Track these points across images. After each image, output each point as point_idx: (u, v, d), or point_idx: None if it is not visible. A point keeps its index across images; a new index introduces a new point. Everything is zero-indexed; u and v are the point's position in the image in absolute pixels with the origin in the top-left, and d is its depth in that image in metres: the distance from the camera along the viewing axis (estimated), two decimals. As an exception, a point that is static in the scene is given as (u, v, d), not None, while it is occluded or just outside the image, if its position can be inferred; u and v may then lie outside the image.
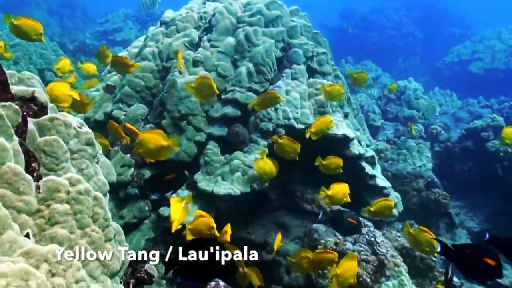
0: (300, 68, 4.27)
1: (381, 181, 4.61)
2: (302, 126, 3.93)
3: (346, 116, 4.69)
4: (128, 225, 3.72)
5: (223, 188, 3.58)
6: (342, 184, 3.35)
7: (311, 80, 4.32)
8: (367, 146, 4.89)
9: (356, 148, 4.35)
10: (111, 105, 4.27)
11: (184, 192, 3.73)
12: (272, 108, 3.87)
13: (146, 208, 3.77)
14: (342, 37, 20.90)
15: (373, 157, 4.65)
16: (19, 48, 7.50)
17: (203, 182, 3.70)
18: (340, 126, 4.17)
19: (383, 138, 8.17)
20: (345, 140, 4.18)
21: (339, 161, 3.53)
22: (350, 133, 4.18)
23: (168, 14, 4.65)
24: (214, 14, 4.34)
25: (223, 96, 3.99)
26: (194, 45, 4.28)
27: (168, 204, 3.70)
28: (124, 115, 4.10)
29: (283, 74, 4.15)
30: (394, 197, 4.82)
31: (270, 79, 4.14)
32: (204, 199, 3.70)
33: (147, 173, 3.87)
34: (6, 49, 4.48)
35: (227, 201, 3.75)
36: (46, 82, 7.30)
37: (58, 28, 20.24)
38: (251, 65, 4.06)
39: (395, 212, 4.73)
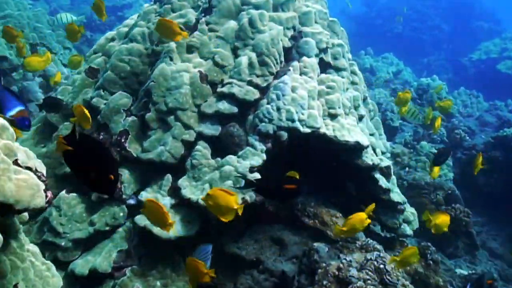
0: (310, 62, 3.75)
1: (397, 195, 4.10)
2: (308, 130, 3.42)
3: (360, 119, 4.17)
4: (99, 233, 3.28)
5: (209, 198, 3.09)
6: (358, 216, 2.89)
7: (322, 76, 3.80)
8: (383, 153, 4.36)
9: (369, 158, 3.84)
10: (91, 91, 3.80)
11: (165, 199, 3.25)
12: (274, 107, 3.36)
13: (121, 214, 3.32)
14: (363, 26, 20.21)
15: (388, 167, 4.13)
16: (10, 20, 7.04)
17: (188, 189, 3.23)
18: (352, 131, 3.65)
19: (400, 140, 7.62)
20: (358, 148, 3.67)
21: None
22: (364, 140, 3.67)
23: (165, -10, 4.13)
24: (215, -7, 3.82)
25: (218, 90, 3.49)
26: (190, 28, 3.77)
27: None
28: (105, 104, 3.62)
29: (290, 68, 3.63)
30: (410, 214, 4.32)
31: (275, 73, 3.63)
32: (188, 208, 3.23)
33: (125, 173, 3.41)
34: None
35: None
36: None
37: (67, 0, 19.89)
38: (253, 55, 3.54)
39: (409, 231, 4.24)
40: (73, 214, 3.30)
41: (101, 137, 3.54)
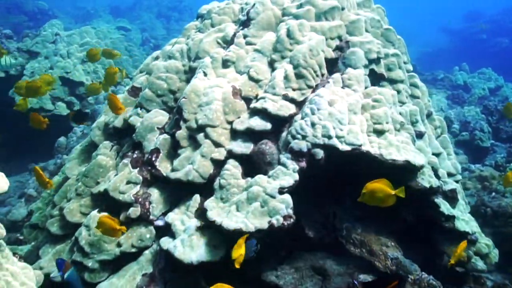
0: (355, 73, 3.45)
1: (463, 224, 3.60)
2: (347, 148, 3.12)
3: (420, 136, 3.76)
4: (124, 255, 3.22)
5: (234, 221, 2.91)
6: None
7: (369, 88, 3.47)
8: (450, 176, 3.88)
9: (426, 179, 3.42)
10: (132, 110, 3.83)
11: (191, 221, 3.12)
12: (308, 122, 3.11)
13: (148, 236, 3.24)
14: (463, 41, 19.07)
15: (454, 191, 3.66)
16: (87, 47, 7.52)
17: (215, 210, 3.07)
18: (403, 149, 3.28)
19: (490, 162, 6.86)
20: (410, 169, 3.28)
21: None
22: (418, 160, 3.27)
23: (207, 5, 4.11)
24: (254, 5, 3.70)
25: (251, 105, 3.33)
26: (227, 43, 3.68)
27: (172, 234, 3.15)
28: (140, 122, 3.62)
29: (330, 80, 3.37)
30: (484, 245, 3.77)
31: (314, 86, 3.39)
32: (215, 231, 3.07)
33: (154, 193, 3.34)
34: None
35: (260, 234, 3.07)
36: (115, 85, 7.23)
37: (163, 30, 21.17)
38: (289, 67, 3.34)
39: (481, 265, 3.70)
40: (101, 235, 3.28)
41: (135, 155, 3.53)
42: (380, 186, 2.82)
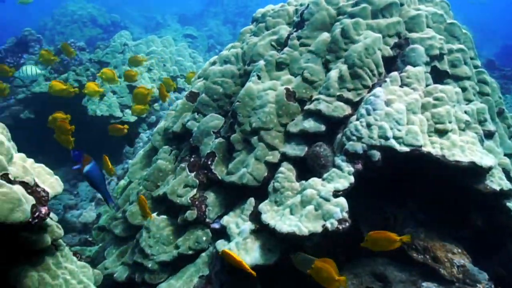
0: (415, 71, 3.32)
1: (540, 231, 3.35)
2: (406, 149, 3.01)
3: (490, 135, 3.56)
4: (182, 257, 3.31)
5: (287, 224, 2.90)
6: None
7: (430, 86, 3.33)
8: (524, 178, 3.64)
9: (496, 182, 3.22)
10: (189, 115, 3.94)
11: (246, 224, 3.15)
12: (363, 123, 3.04)
13: (204, 238, 3.31)
14: None
15: (529, 195, 3.41)
16: (153, 56, 7.82)
17: (269, 214, 3.07)
18: (468, 150, 3.11)
19: None
20: (477, 171, 3.10)
21: None
22: (485, 161, 3.08)
23: (262, 9, 4.14)
24: (307, 6, 3.68)
25: (305, 107, 3.30)
26: (282, 45, 3.68)
27: (228, 237, 3.20)
28: (197, 127, 3.71)
29: (387, 79, 3.27)
30: None
31: (370, 85, 3.30)
32: (269, 235, 3.07)
33: (210, 196, 3.41)
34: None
35: (314, 238, 3.05)
36: (179, 90, 7.50)
37: (230, 36, 21.60)
38: (344, 67, 3.29)
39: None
40: (160, 236, 3.40)
41: (192, 159, 3.62)
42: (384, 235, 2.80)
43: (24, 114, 7.42)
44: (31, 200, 1.55)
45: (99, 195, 5.79)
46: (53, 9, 19.02)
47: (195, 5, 24.95)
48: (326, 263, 2.65)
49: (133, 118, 7.24)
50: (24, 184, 1.59)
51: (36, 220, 1.55)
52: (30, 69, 5.69)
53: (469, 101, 3.60)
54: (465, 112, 3.41)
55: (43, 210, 1.60)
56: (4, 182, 1.49)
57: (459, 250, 3.31)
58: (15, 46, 8.47)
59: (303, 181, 3.15)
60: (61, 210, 6.29)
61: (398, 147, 3.02)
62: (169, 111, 4.30)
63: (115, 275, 3.46)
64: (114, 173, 3.94)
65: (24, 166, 1.62)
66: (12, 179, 1.55)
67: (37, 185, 1.65)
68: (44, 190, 1.67)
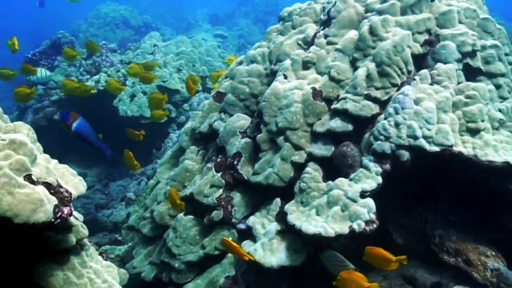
0: (445, 68, 3.24)
1: None
2: (436, 149, 2.93)
3: (526, 133, 3.43)
4: (208, 257, 3.33)
5: (313, 225, 2.88)
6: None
7: (461, 84, 3.24)
8: None
9: (532, 183, 3.10)
10: (216, 115, 3.95)
11: (271, 225, 3.14)
12: (392, 122, 2.99)
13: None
14: None
15: None
16: (182, 56, 7.89)
17: (295, 214, 3.06)
18: (502, 149, 3.01)
19: None
20: (510, 171, 3.00)
21: None
22: (520, 161, 2.98)
23: (288, 7, 4.12)
24: (335, 3, 3.64)
25: (332, 106, 3.27)
26: (308, 44, 3.65)
27: (253, 237, 3.20)
28: (223, 127, 3.72)
29: (416, 77, 3.20)
30: None
31: (399, 84, 3.24)
32: (295, 236, 3.06)
33: (236, 196, 3.41)
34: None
35: (340, 239, 3.03)
36: (207, 90, 7.56)
37: (260, 35, 21.60)
38: (372, 65, 3.23)
39: None
40: (187, 236, 3.42)
41: (218, 159, 3.63)
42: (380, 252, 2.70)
43: (58, 115, 7.61)
44: (54, 200, 1.58)
45: (128, 195, 5.90)
46: (87, 12, 19.48)
47: (226, 5, 25.05)
48: (351, 274, 2.60)
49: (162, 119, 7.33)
50: (47, 185, 1.63)
51: (59, 220, 1.58)
52: (40, 72, 5.90)
53: (503, 98, 3.49)
54: (499, 110, 3.30)
55: (66, 210, 1.63)
56: (27, 183, 1.52)
57: (493, 253, 3.22)
58: (49, 49, 8.70)
59: (330, 182, 3.12)
60: (93, 210, 6.43)
61: (428, 146, 2.95)
62: (196, 111, 4.33)
63: (142, 275, 3.51)
64: (139, 168, 4.03)
65: (47, 167, 1.65)
66: (35, 180, 1.58)
67: (60, 186, 1.68)
68: (67, 191, 1.70)
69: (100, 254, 2.46)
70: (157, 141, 7.23)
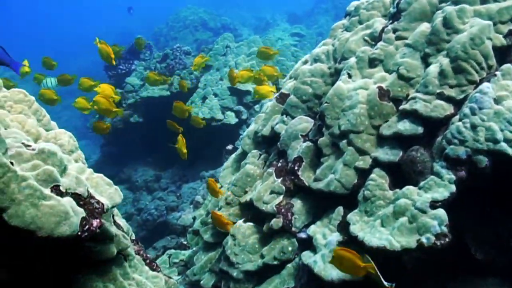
0: (533, 62, 2.88)
1: None
2: (521, 153, 2.60)
3: None
4: (267, 267, 3.22)
5: (377, 237, 2.67)
6: None
7: (552, 79, 2.86)
8: None
9: None
10: (279, 117, 3.84)
11: (333, 235, 2.97)
12: (467, 124, 2.70)
13: (290, 248, 3.19)
14: None
15: None
16: (254, 57, 7.86)
17: (358, 225, 2.86)
18: None
19: None
20: None
21: None
22: None
23: (355, 2, 3.90)
24: (404, -6, 3.37)
25: (400, 107, 3.03)
26: (375, 40, 3.43)
27: (314, 248, 3.04)
28: (285, 130, 3.59)
29: (497, 72, 2.86)
30: None
31: (477, 81, 2.93)
32: (359, 248, 2.85)
33: (297, 203, 3.27)
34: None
35: (408, 254, 2.80)
36: (277, 90, 7.46)
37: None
38: (446, 61, 2.95)
39: None
40: (246, 245, 3.34)
41: (279, 164, 3.51)
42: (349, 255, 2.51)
43: (134, 118, 7.88)
44: (81, 212, 1.54)
45: (196, 198, 5.94)
46: (168, 16, 20.20)
47: (305, 2, 24.83)
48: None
49: (234, 121, 7.35)
50: (76, 196, 1.59)
51: (86, 234, 1.54)
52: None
53: None
54: None
55: (95, 222, 1.59)
56: (53, 194, 1.49)
57: None
58: (127, 53, 9.05)
59: (397, 190, 2.89)
60: (164, 212, 6.57)
61: (511, 151, 2.63)
62: (260, 113, 4.24)
63: (201, 282, 3.48)
64: (185, 156, 4.25)
65: (77, 177, 1.62)
66: (64, 191, 1.56)
67: (91, 197, 1.65)
68: (98, 202, 1.66)
69: (150, 263, 2.43)
70: (229, 143, 7.25)
